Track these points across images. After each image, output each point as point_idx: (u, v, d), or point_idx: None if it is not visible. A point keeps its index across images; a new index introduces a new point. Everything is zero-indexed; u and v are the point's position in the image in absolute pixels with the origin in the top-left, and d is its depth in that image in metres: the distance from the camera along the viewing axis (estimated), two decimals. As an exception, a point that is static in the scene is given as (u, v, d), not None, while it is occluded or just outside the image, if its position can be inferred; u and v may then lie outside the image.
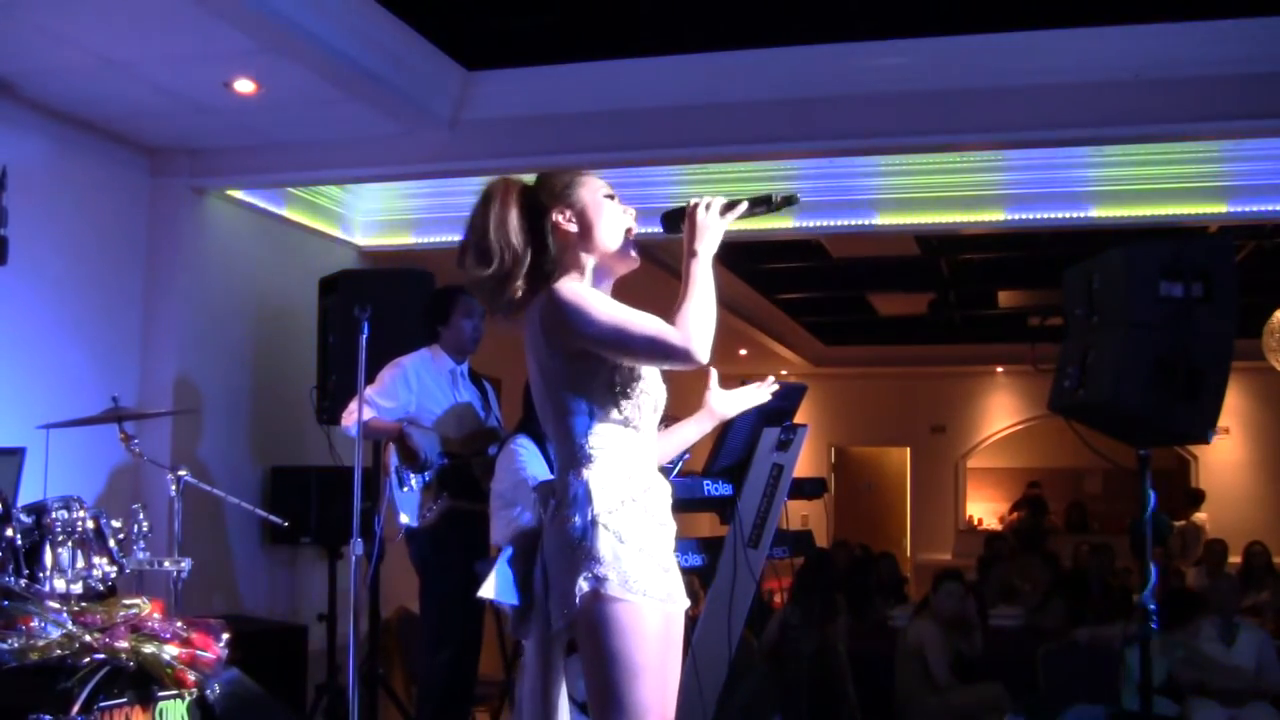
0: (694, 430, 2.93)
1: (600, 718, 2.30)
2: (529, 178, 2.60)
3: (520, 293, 2.47)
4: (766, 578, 5.08)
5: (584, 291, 2.45)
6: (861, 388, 14.25)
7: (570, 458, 2.43)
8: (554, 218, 2.50)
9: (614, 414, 2.42)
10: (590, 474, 2.38)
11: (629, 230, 2.56)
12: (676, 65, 5.42)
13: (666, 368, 2.45)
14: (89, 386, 5.37)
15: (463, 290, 4.91)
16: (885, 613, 7.65)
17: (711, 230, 2.46)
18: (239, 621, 5.00)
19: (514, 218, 2.47)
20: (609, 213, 2.53)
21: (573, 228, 2.50)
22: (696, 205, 2.49)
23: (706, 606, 4.53)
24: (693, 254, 2.44)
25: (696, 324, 2.35)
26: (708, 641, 4.37)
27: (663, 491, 2.48)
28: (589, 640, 2.32)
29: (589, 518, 2.33)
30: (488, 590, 2.71)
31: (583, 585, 2.30)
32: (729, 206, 2.50)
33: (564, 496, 2.40)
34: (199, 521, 5.14)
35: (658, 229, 2.64)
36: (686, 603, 2.46)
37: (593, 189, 2.54)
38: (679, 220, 2.54)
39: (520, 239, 2.46)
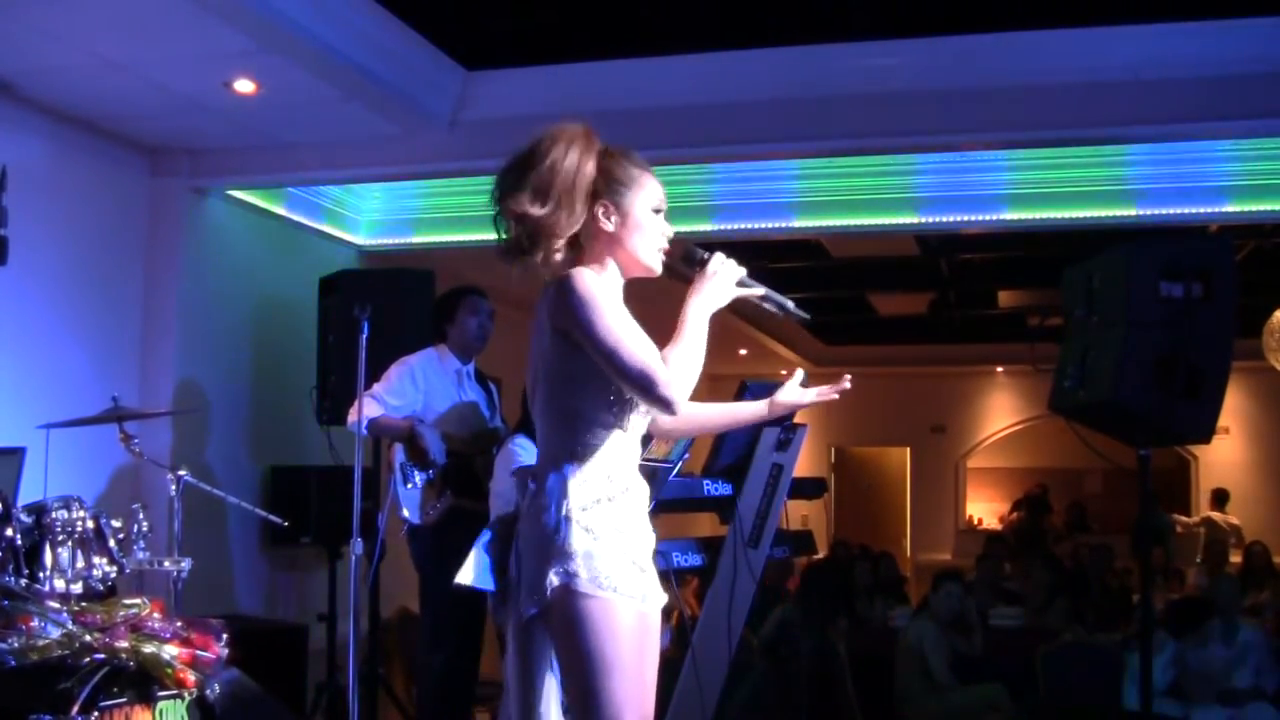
0: (749, 413, 2.83)
1: (579, 716, 2.28)
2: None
3: (559, 255, 2.39)
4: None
5: (598, 291, 2.34)
6: (861, 388, 14.13)
7: (554, 449, 2.39)
8: (597, 209, 2.40)
9: (604, 413, 2.37)
10: (570, 470, 2.35)
11: (662, 249, 2.49)
12: (676, 65, 5.42)
13: (642, 404, 2.37)
14: (89, 386, 5.37)
15: (470, 290, 4.91)
16: (885, 612, 7.64)
17: (718, 289, 2.44)
18: (239, 621, 5.01)
19: (586, 178, 2.37)
20: (649, 230, 2.45)
21: (609, 228, 2.42)
22: (713, 257, 2.46)
23: (706, 606, 4.53)
24: (693, 304, 2.41)
25: (683, 374, 2.33)
26: (708, 641, 4.37)
27: (641, 494, 2.44)
28: (561, 637, 2.31)
29: (563, 513, 2.31)
30: (465, 576, 2.67)
31: (553, 580, 2.28)
32: (744, 282, 2.48)
33: (542, 487, 2.37)
34: (199, 521, 5.13)
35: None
36: (663, 600, 2.42)
37: (645, 201, 2.44)
38: (691, 262, 2.49)
39: (582, 204, 2.38)
